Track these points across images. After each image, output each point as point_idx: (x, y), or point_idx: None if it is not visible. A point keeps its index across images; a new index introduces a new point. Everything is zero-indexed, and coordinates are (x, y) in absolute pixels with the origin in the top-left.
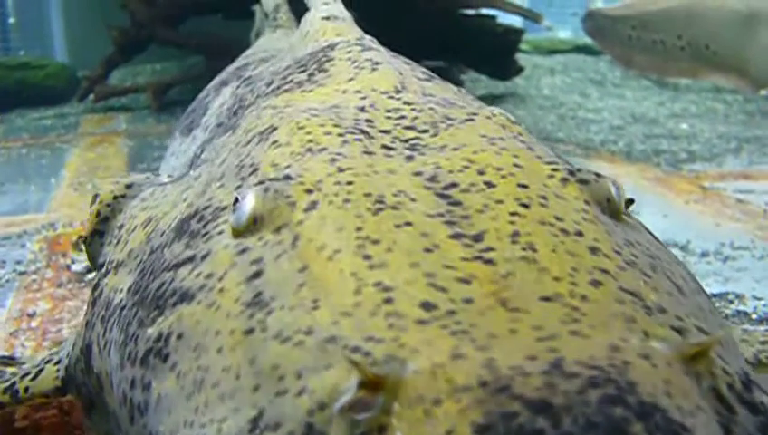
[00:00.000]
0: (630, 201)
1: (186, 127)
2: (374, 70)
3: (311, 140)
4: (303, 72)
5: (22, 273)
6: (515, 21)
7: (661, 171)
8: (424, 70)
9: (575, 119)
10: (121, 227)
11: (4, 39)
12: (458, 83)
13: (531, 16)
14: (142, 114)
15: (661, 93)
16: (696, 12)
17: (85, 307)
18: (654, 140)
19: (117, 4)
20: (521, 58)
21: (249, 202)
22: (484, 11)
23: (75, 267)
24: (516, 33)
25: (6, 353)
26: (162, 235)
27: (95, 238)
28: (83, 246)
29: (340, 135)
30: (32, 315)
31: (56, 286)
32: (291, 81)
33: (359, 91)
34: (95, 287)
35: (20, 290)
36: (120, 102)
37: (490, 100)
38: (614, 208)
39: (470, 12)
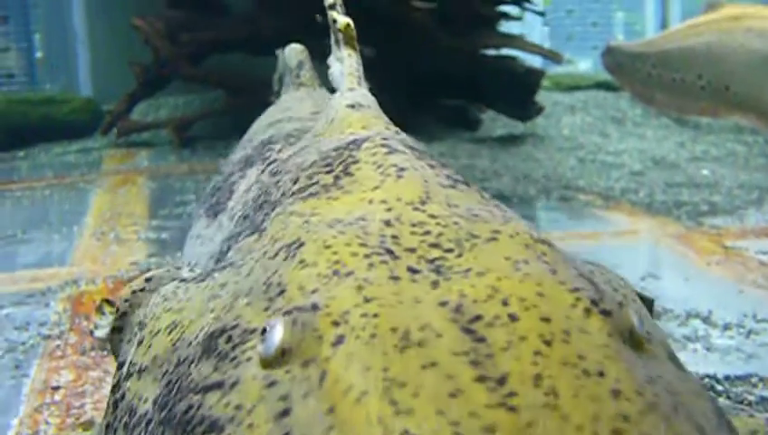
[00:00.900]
0: (651, 302)
1: (211, 207)
2: (399, 178)
3: (337, 261)
4: (329, 172)
5: (46, 337)
6: (536, 60)
7: (682, 226)
8: (448, 173)
9: (595, 162)
10: (142, 325)
11: (31, 73)
12: (477, 122)
13: (551, 56)
14: (164, 150)
15: (681, 133)
16: (716, 52)
17: (108, 379)
18: (675, 189)
19: (141, 39)
20: (541, 95)
21: (278, 333)
22: (506, 51)
23: (98, 333)
24: (537, 75)
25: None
26: (189, 346)
27: (116, 335)
28: (106, 311)
29: (367, 256)
30: (56, 388)
31: (80, 353)
32: (317, 182)
33: (384, 202)
34: (116, 388)
35: (44, 357)
36: (141, 138)
37: (509, 140)
38: (636, 340)
39: (492, 52)
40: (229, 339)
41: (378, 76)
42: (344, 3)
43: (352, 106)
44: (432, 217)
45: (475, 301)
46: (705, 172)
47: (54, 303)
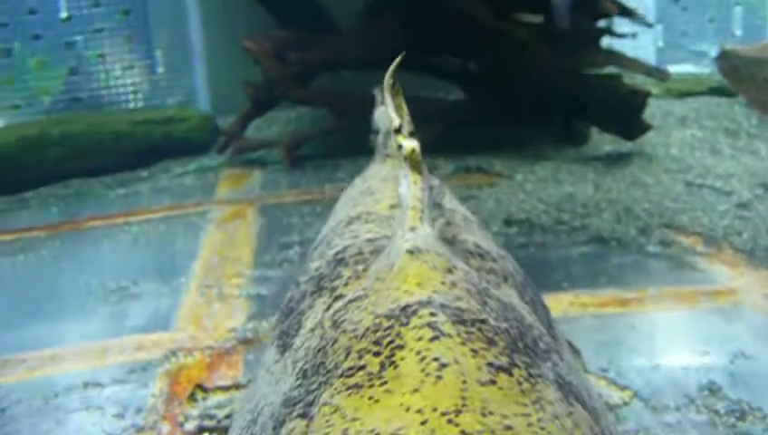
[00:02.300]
0: None
1: (281, 335)
2: (438, 378)
3: None
4: (378, 355)
5: (140, 429)
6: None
7: None
8: (493, 358)
9: (702, 188)
10: None
11: (153, 89)
12: (585, 137)
13: (657, 75)
14: (275, 171)
15: None
16: None
17: None
18: None
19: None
20: (651, 103)
21: None
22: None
23: (187, 426)
24: (642, 96)
25: None
26: None
27: None
28: (198, 397)
29: None
30: None
31: None
32: (364, 366)
33: (420, 412)
34: None
35: None
36: (255, 154)
37: (616, 159)
38: None
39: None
40: None
41: (482, 91)
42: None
43: (411, 252)
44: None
45: None
46: None
47: (152, 382)
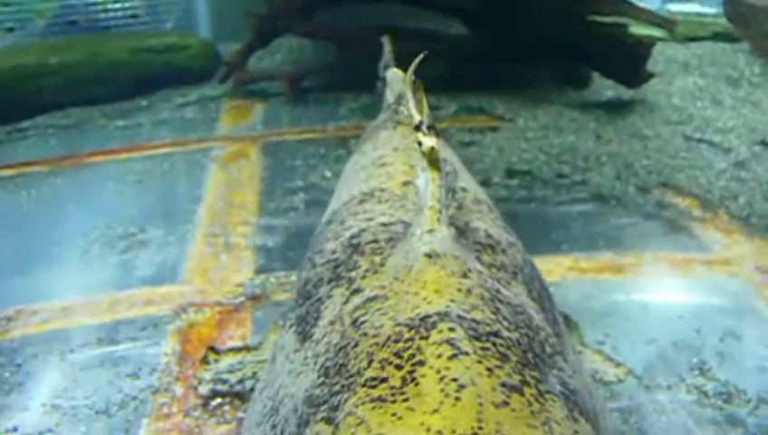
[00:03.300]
0: None
1: (298, 322)
2: (457, 400)
3: None
4: (399, 368)
5: (155, 391)
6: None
7: None
8: (505, 379)
9: (701, 143)
10: None
11: (153, 13)
12: (588, 80)
13: (664, 24)
14: (277, 104)
15: None
16: None
17: None
18: None
19: None
20: (655, 48)
21: None
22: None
23: (201, 390)
24: (646, 48)
25: None
26: None
27: None
28: (210, 359)
29: None
30: None
31: (184, 414)
32: (386, 379)
33: (440, 434)
34: None
35: (151, 416)
36: (257, 85)
37: (618, 107)
38: None
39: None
40: None
41: (486, 30)
42: None
43: (429, 256)
44: None
45: None
46: None
47: (164, 340)
